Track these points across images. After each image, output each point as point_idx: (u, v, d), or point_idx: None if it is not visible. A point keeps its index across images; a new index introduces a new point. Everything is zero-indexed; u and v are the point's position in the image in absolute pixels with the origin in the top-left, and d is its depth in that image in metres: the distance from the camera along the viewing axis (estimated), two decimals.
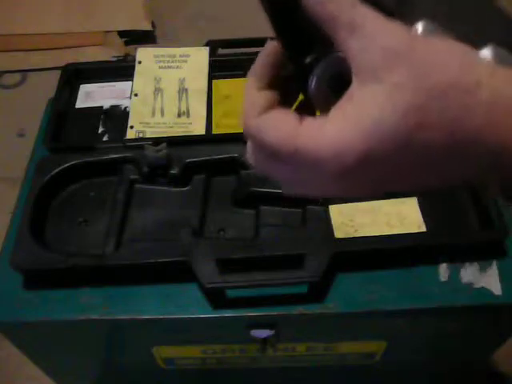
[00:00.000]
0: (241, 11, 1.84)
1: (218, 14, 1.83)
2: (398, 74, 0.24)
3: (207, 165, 0.65)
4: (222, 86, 0.77)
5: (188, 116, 0.73)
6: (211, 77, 0.78)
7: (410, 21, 0.28)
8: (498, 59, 0.28)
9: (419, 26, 0.27)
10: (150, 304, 0.58)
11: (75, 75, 0.79)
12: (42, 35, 1.72)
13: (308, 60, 0.28)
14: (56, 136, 0.71)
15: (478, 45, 0.28)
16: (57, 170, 0.64)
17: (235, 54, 0.80)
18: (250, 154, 0.30)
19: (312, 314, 0.58)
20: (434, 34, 0.27)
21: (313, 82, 0.28)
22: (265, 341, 0.63)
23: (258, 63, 0.30)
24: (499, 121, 0.23)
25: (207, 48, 0.79)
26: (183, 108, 0.74)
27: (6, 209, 0.81)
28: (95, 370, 0.77)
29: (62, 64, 0.80)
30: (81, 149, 0.67)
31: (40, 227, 0.62)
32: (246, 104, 0.29)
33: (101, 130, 0.73)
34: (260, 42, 0.82)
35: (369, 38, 0.25)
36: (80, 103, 0.77)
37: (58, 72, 0.78)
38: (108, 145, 0.69)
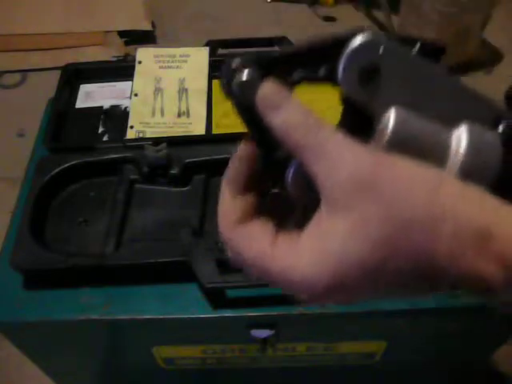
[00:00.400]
0: (241, 11, 1.84)
1: (218, 13, 1.83)
2: (363, 206, 0.24)
3: (207, 165, 0.65)
4: None
5: (188, 116, 0.73)
6: (211, 77, 0.78)
7: (380, 108, 0.28)
8: (474, 136, 0.28)
9: (391, 114, 0.27)
10: (150, 304, 0.58)
11: (75, 75, 0.79)
12: (42, 35, 1.72)
13: (282, 154, 0.28)
14: (56, 136, 0.71)
15: (452, 123, 0.29)
16: (57, 170, 0.64)
17: (235, 54, 0.80)
18: (228, 251, 0.30)
19: (312, 314, 0.58)
20: (408, 123, 0.27)
21: (289, 176, 0.29)
22: (265, 341, 0.63)
23: (231, 170, 0.30)
24: (460, 253, 0.24)
25: (207, 48, 0.79)
26: (183, 108, 0.74)
27: (6, 209, 0.81)
28: (95, 369, 0.77)
29: (62, 64, 0.80)
30: (81, 149, 0.67)
31: (40, 227, 0.62)
32: (220, 214, 0.29)
33: (101, 130, 0.73)
34: (260, 42, 0.82)
35: (334, 165, 0.25)
36: (80, 103, 0.76)
37: (58, 72, 0.78)
38: (108, 145, 0.69)
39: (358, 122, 0.29)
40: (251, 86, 0.28)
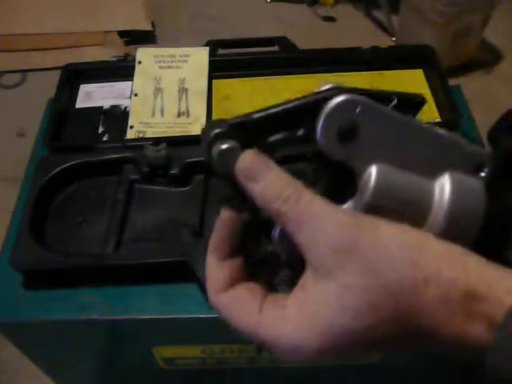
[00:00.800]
0: (241, 11, 1.84)
1: (218, 14, 1.83)
2: (347, 273, 0.24)
3: (207, 165, 0.65)
4: (222, 86, 0.77)
5: (188, 116, 0.73)
6: (211, 77, 0.78)
7: (361, 164, 0.28)
8: (457, 184, 0.29)
9: (372, 170, 0.28)
10: (150, 304, 0.58)
11: (75, 75, 0.79)
12: (42, 35, 1.72)
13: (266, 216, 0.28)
14: (56, 136, 0.71)
15: (435, 173, 0.29)
16: (57, 170, 0.64)
17: (235, 54, 0.80)
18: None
19: None
20: (390, 179, 0.28)
21: (275, 236, 0.29)
22: None
23: (215, 237, 0.30)
24: (447, 315, 0.24)
25: (207, 48, 0.79)
26: (183, 108, 0.74)
27: (6, 208, 0.81)
28: (95, 369, 0.77)
29: (62, 64, 0.80)
30: (81, 149, 0.67)
31: (40, 227, 0.62)
32: (209, 280, 0.30)
33: (101, 129, 0.73)
34: (260, 42, 0.82)
35: (315, 235, 0.25)
36: (80, 103, 0.77)
37: (58, 72, 0.78)
38: (108, 145, 0.69)
39: (341, 179, 0.29)
40: (231, 154, 0.28)
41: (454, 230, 0.29)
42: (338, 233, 0.25)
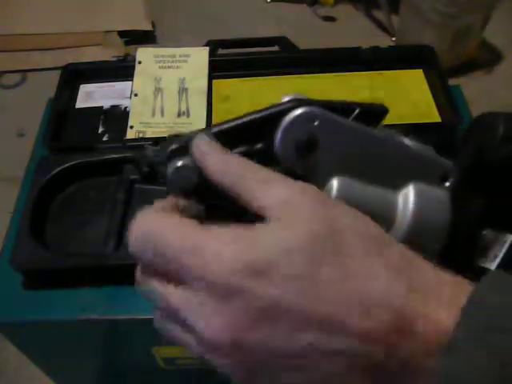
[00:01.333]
0: (241, 11, 1.84)
1: (218, 13, 1.83)
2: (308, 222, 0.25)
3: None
4: (222, 86, 0.77)
5: (188, 116, 0.73)
6: (211, 77, 0.78)
7: (322, 178, 0.28)
8: (420, 193, 0.29)
9: (334, 184, 0.28)
10: (151, 304, 0.58)
11: (75, 75, 0.79)
12: (41, 35, 1.72)
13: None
14: (56, 136, 0.71)
15: (399, 184, 0.30)
16: (57, 170, 0.64)
17: (235, 54, 0.80)
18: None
19: None
20: (352, 191, 0.28)
21: None
22: None
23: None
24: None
25: (207, 48, 0.79)
26: (183, 108, 0.74)
27: (6, 209, 0.81)
28: (95, 369, 0.77)
29: (62, 64, 0.80)
30: (81, 149, 0.67)
31: (40, 227, 0.62)
32: (144, 209, 0.30)
33: (101, 129, 0.73)
34: (260, 42, 0.82)
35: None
36: (80, 103, 0.76)
37: (58, 72, 0.78)
38: (108, 145, 0.69)
39: None
40: (187, 170, 0.29)
41: (418, 240, 0.29)
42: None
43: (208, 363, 0.27)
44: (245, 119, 0.28)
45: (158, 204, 0.29)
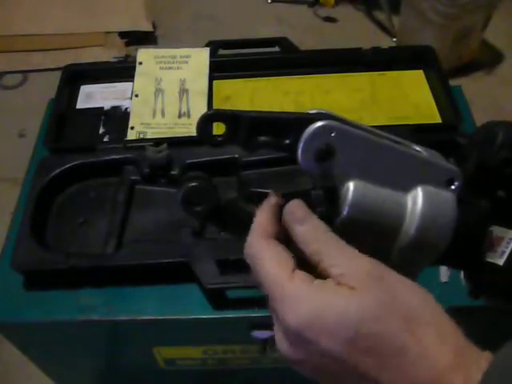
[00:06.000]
0: (241, 12, 1.84)
1: (218, 14, 1.83)
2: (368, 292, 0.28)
3: (207, 166, 0.65)
4: (223, 86, 0.77)
5: (189, 117, 0.73)
6: (212, 77, 0.78)
7: (340, 181, 0.31)
8: (428, 195, 0.32)
9: (350, 187, 0.31)
10: (151, 305, 0.58)
11: (76, 76, 0.79)
12: (42, 36, 1.73)
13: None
14: (57, 137, 0.71)
15: (408, 188, 0.33)
16: (57, 171, 0.64)
17: (236, 55, 0.80)
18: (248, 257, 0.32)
19: None
20: (366, 194, 0.31)
21: None
22: (266, 341, 0.63)
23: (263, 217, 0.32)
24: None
25: (208, 49, 0.80)
26: (184, 109, 0.74)
27: (7, 209, 0.81)
28: (95, 370, 0.77)
29: (63, 65, 0.80)
30: (81, 149, 0.67)
31: (41, 228, 0.62)
32: (256, 222, 0.32)
33: (101, 130, 0.73)
34: (261, 43, 0.82)
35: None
36: (81, 104, 0.77)
37: (59, 73, 0.78)
38: (109, 146, 0.69)
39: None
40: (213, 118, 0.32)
41: (425, 239, 0.32)
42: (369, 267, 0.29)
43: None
44: (278, 115, 0.32)
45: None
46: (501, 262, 0.36)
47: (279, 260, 0.29)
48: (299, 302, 0.28)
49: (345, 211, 0.31)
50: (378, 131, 0.33)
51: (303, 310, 0.27)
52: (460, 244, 0.34)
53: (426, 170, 0.33)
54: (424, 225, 0.32)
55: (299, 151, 0.31)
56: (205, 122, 0.31)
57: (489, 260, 0.36)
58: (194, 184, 0.32)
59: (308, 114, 0.32)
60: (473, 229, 0.36)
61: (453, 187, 0.34)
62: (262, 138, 0.32)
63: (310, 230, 0.30)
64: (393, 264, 0.30)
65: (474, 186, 0.36)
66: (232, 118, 0.31)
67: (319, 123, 0.31)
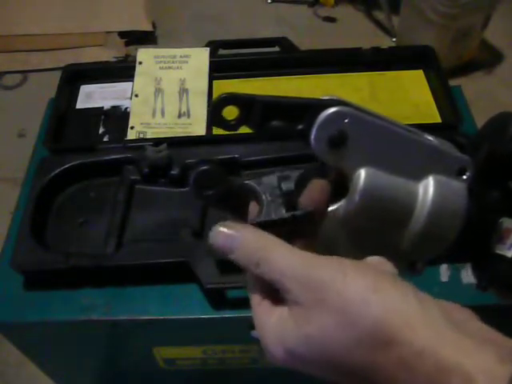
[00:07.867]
0: (241, 12, 1.84)
1: (218, 14, 1.83)
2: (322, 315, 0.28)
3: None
4: (223, 86, 0.77)
5: (188, 117, 0.73)
6: (212, 77, 0.78)
7: (351, 168, 0.31)
8: (440, 184, 0.32)
9: (362, 174, 0.31)
10: (151, 304, 0.58)
11: (76, 76, 0.79)
12: (42, 36, 1.73)
13: None
14: (57, 137, 0.71)
15: (420, 176, 0.33)
16: (57, 171, 0.64)
17: (236, 55, 0.80)
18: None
19: None
20: (377, 181, 0.31)
21: None
22: None
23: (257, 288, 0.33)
24: None
25: (208, 49, 0.79)
26: (184, 109, 0.74)
27: (7, 209, 0.81)
28: (95, 370, 0.77)
29: (63, 64, 0.80)
30: (81, 149, 0.67)
31: (41, 228, 0.62)
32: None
33: (101, 130, 0.73)
34: (260, 43, 0.82)
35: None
36: (80, 104, 0.77)
37: (59, 72, 0.78)
38: (108, 145, 0.69)
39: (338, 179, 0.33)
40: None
41: (436, 228, 0.32)
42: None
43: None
44: (291, 99, 0.31)
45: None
46: (509, 253, 0.36)
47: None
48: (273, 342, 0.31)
49: (356, 198, 0.31)
50: (391, 119, 0.33)
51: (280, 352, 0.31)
52: (469, 234, 0.34)
53: (437, 159, 0.33)
54: (435, 213, 0.32)
55: (312, 137, 0.30)
56: (220, 105, 0.30)
57: (497, 252, 0.36)
58: (205, 167, 0.32)
59: (322, 99, 0.32)
60: (482, 220, 0.36)
61: (464, 177, 0.34)
62: (275, 123, 0.31)
63: (263, 267, 0.30)
64: (402, 251, 0.30)
65: (484, 177, 0.36)
66: (247, 102, 0.30)
67: (333, 109, 0.30)
